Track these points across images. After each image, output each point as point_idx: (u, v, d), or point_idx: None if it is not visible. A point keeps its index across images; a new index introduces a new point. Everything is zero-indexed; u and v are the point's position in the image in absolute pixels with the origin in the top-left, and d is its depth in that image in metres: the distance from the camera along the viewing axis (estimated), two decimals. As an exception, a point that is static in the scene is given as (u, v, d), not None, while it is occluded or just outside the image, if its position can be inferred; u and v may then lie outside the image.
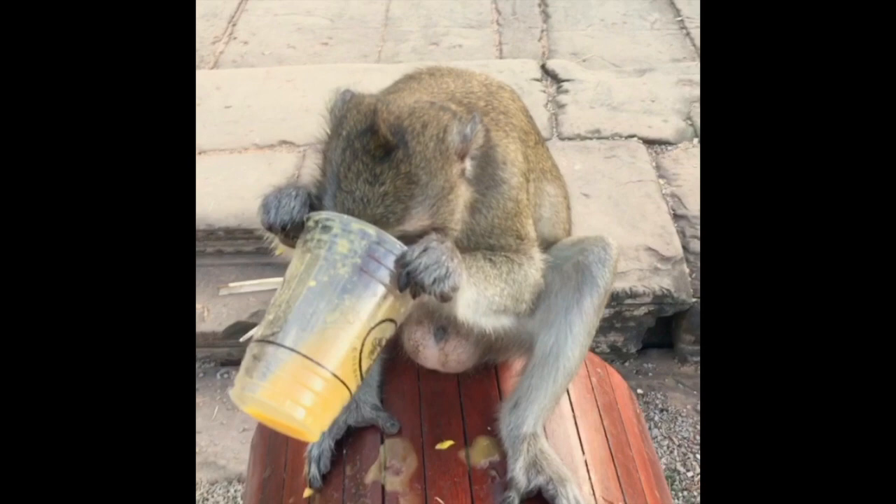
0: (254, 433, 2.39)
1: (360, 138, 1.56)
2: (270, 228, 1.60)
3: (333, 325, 1.48)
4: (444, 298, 1.52)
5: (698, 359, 4.32)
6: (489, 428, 1.98)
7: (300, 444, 2.09)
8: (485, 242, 1.75)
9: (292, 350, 1.46)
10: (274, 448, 2.18)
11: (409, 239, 1.53)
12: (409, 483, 1.87)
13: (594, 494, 1.90)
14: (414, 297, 1.54)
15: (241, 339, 3.97)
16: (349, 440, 2.02)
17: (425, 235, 1.55)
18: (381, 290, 1.50)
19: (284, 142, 4.97)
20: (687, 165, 4.92)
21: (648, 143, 5.02)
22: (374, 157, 1.55)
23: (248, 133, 5.01)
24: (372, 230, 1.51)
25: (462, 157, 1.64)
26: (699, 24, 6.54)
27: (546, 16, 6.80)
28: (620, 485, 1.97)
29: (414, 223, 1.58)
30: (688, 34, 6.47)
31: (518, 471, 1.85)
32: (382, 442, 1.98)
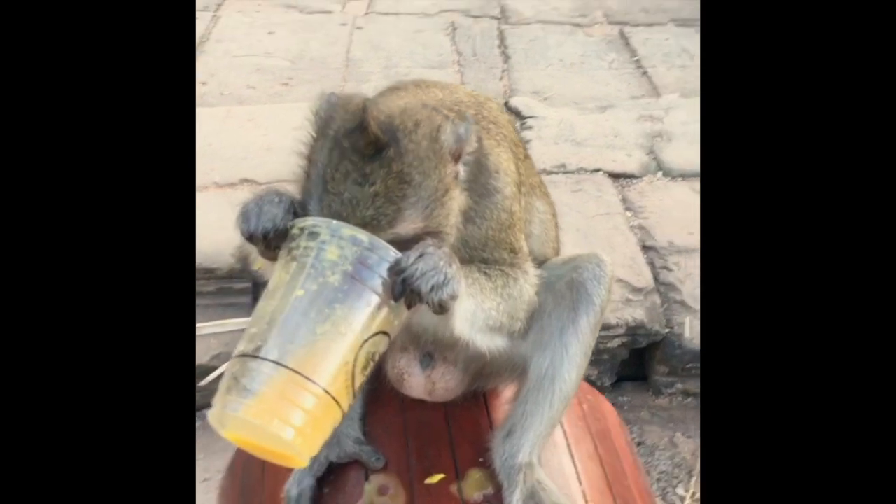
0: (223, 476, 2.23)
1: (348, 137, 1.47)
2: (251, 238, 1.48)
3: (324, 336, 1.35)
4: (442, 308, 1.42)
5: (672, 390, 4.28)
6: (481, 459, 1.87)
7: (277, 485, 1.95)
8: (478, 256, 1.65)
9: (279, 364, 1.33)
10: (248, 490, 2.02)
11: (401, 245, 1.43)
12: (398, 521, 1.74)
13: (594, 527, 1.80)
14: (409, 306, 1.43)
15: (205, 382, 3.79)
16: (331, 477, 1.89)
17: (420, 242, 1.45)
18: (374, 299, 1.39)
19: (246, 180, 4.86)
20: (652, 198, 4.94)
21: (614, 176, 5.04)
22: (363, 155, 1.46)
23: (209, 172, 4.89)
24: (363, 236, 1.40)
25: (456, 159, 1.56)
26: (655, 64, 6.69)
27: (506, 56, 6.86)
28: (620, 515, 1.87)
29: (406, 226, 1.48)
30: (644, 73, 6.59)
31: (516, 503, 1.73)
32: (367, 478, 1.85)
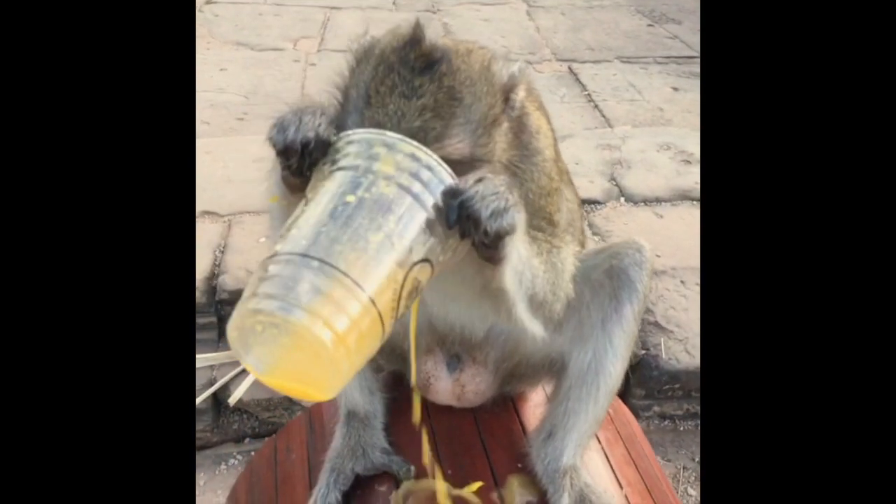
0: (227, 496, 2.05)
1: (397, 52, 1.38)
2: (286, 150, 1.32)
3: (377, 246, 1.21)
4: (497, 239, 1.30)
5: (650, 413, 4.24)
6: (519, 465, 1.76)
7: (296, 498, 1.79)
8: None
9: (325, 262, 1.17)
10: (261, 511, 1.85)
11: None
12: (438, 534, 1.61)
13: (642, 531, 1.70)
14: (463, 235, 1.30)
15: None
16: (358, 492, 1.74)
17: (474, 169, 1.35)
18: (426, 220, 1.27)
19: (207, 212, 4.68)
20: (617, 222, 4.97)
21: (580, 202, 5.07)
22: (412, 69, 1.36)
23: (167, 203, 4.69)
24: (422, 153, 1.29)
25: (506, 98, 1.48)
26: (605, 98, 6.84)
27: (460, 91, 6.91)
28: (664, 520, 1.78)
29: (453, 147, 1.38)
30: (596, 106, 6.72)
31: None
32: (398, 486, 1.71)
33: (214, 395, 3.82)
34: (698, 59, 7.65)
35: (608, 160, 5.52)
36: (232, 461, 3.87)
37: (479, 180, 1.29)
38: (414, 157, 1.29)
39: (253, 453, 3.87)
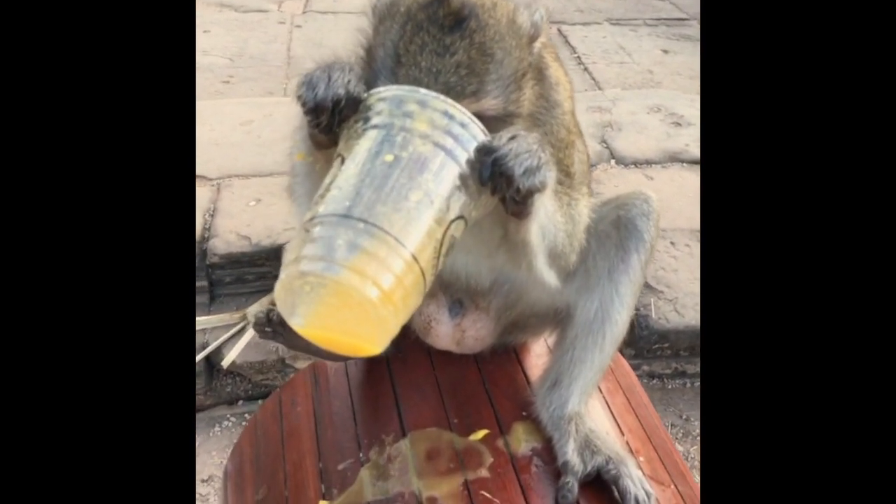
0: (227, 460, 2.06)
1: (424, 9, 1.38)
2: (316, 108, 1.31)
3: (417, 205, 1.23)
4: (529, 196, 1.31)
5: (639, 373, 4.29)
6: (524, 413, 1.78)
7: (301, 457, 1.80)
8: None
9: (369, 223, 1.19)
10: (266, 465, 1.86)
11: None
12: (446, 479, 1.63)
13: (645, 476, 1.73)
14: (494, 192, 1.31)
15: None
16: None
17: (507, 127, 1.35)
18: (460, 177, 1.28)
19: (197, 176, 4.63)
20: (608, 185, 4.98)
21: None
22: (442, 27, 1.36)
23: (155, 166, 4.63)
24: (456, 110, 1.29)
25: (531, 45, 1.48)
26: (595, 60, 6.81)
27: (448, 54, 6.85)
28: (665, 466, 1.82)
29: (489, 103, 1.38)
30: (586, 69, 6.69)
31: (572, 454, 1.64)
32: (405, 434, 1.73)
33: (207, 358, 3.81)
34: (688, 21, 7.63)
35: (598, 123, 5.51)
36: (226, 423, 3.88)
37: (513, 137, 1.30)
38: (447, 114, 1.29)
39: (247, 415, 3.89)
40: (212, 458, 3.71)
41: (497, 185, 1.29)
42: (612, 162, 5.18)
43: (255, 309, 3.92)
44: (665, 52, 6.97)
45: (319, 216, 1.23)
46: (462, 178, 1.28)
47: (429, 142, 1.27)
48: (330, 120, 1.32)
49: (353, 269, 1.17)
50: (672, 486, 1.77)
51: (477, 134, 1.31)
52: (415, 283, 1.23)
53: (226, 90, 5.93)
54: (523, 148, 1.29)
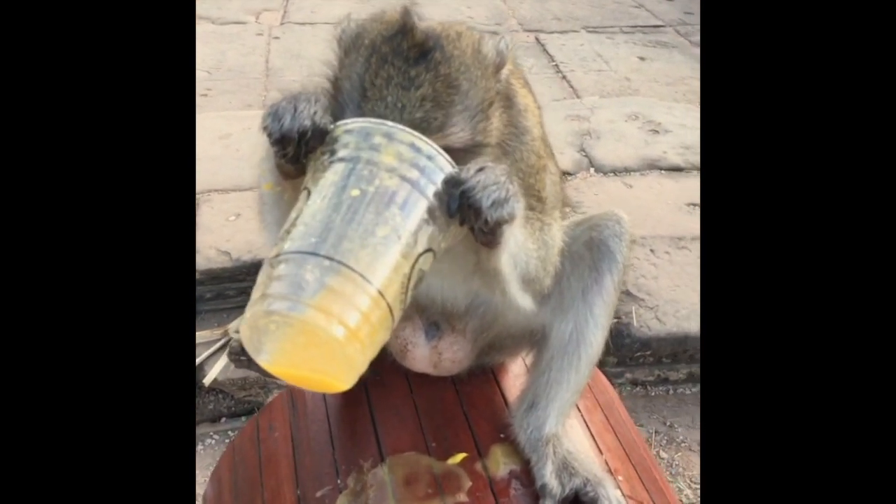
0: (207, 485, 2.04)
1: (389, 41, 1.37)
2: (283, 139, 1.31)
3: (384, 240, 1.23)
4: (496, 229, 1.32)
5: (622, 381, 4.32)
6: (502, 435, 1.78)
7: (279, 483, 1.79)
8: None
9: (335, 261, 1.18)
10: (244, 493, 1.85)
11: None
12: (424, 503, 1.62)
13: (623, 496, 1.73)
14: (462, 223, 1.32)
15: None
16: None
17: (475, 158, 1.36)
18: (428, 210, 1.28)
19: (173, 190, 4.60)
20: (588, 193, 5.01)
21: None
22: (407, 59, 1.36)
23: (132, 182, 4.60)
24: (422, 143, 1.29)
25: (497, 73, 1.48)
26: (573, 69, 6.84)
27: (426, 63, 6.85)
28: (643, 484, 1.82)
29: (455, 136, 1.39)
30: (564, 77, 6.71)
31: (549, 476, 1.65)
32: (383, 460, 1.72)
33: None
34: (664, 28, 7.68)
35: (577, 131, 5.54)
36: (209, 441, 3.85)
37: (481, 169, 1.30)
38: (414, 147, 1.29)
39: (230, 433, 3.86)
40: (195, 475, 3.68)
41: (465, 217, 1.30)
42: (591, 170, 5.20)
43: (236, 325, 3.91)
44: (642, 59, 7.02)
45: (285, 253, 1.22)
46: (430, 210, 1.28)
47: (395, 175, 1.27)
48: (297, 151, 1.32)
49: (318, 308, 1.16)
50: (651, 504, 1.78)
51: (444, 166, 1.31)
52: (382, 319, 1.23)
53: (204, 103, 5.91)
54: (491, 180, 1.29)
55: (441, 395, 1.87)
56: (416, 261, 1.27)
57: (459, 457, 1.72)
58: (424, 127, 1.35)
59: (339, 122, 1.33)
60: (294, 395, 1.99)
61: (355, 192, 1.25)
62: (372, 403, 1.87)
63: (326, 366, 1.21)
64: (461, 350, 1.80)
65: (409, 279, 1.26)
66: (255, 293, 1.21)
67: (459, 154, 1.37)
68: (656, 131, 5.57)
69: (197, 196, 4.57)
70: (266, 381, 3.83)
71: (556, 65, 6.90)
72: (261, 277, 1.23)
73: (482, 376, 1.92)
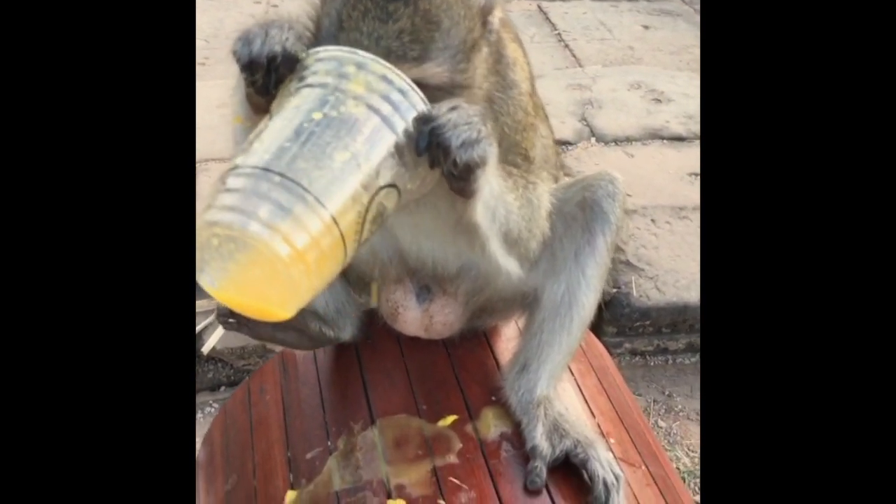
0: (199, 449, 2.04)
1: None
2: (251, 64, 1.26)
3: (342, 165, 1.17)
4: (467, 171, 1.26)
5: (621, 350, 4.31)
6: (493, 398, 1.76)
7: (270, 446, 1.79)
8: None
9: (287, 178, 1.13)
10: (235, 455, 1.85)
11: (427, 97, 1.29)
12: (414, 466, 1.62)
13: (615, 458, 1.72)
14: (432, 165, 1.27)
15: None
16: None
17: (452, 97, 1.31)
18: (395, 144, 1.23)
19: (171, 159, 4.57)
20: (588, 163, 4.96)
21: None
22: None
23: (129, 151, 4.57)
24: (395, 76, 1.24)
25: (484, 21, 1.43)
26: (575, 37, 6.75)
27: (427, 32, 6.77)
28: (636, 447, 1.81)
29: (432, 71, 1.34)
30: (566, 46, 6.63)
31: (540, 438, 1.63)
32: (374, 422, 1.71)
33: (187, 343, 3.80)
34: (668, -4, 7.57)
35: (579, 100, 5.48)
36: (208, 409, 3.86)
37: (453, 108, 1.26)
38: (386, 79, 1.24)
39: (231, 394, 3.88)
40: (195, 444, 3.70)
41: (434, 156, 1.25)
42: (593, 140, 5.15)
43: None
44: (646, 27, 6.92)
45: (237, 168, 1.17)
46: (397, 146, 1.24)
47: (362, 104, 1.22)
48: (266, 79, 1.28)
49: (265, 223, 1.11)
50: (643, 467, 1.77)
51: (416, 103, 1.26)
52: (333, 246, 1.17)
53: (201, 72, 5.84)
54: (463, 119, 1.25)
55: (433, 358, 1.85)
56: (377, 193, 1.22)
57: (450, 419, 1.71)
58: (399, 56, 1.31)
59: (311, 50, 1.29)
60: (286, 359, 1.98)
61: (317, 115, 1.20)
62: (363, 366, 1.86)
63: (269, 289, 1.15)
64: (452, 313, 1.79)
65: (366, 210, 1.21)
66: (203, 205, 1.16)
67: (437, 93, 1.33)
68: (659, 100, 5.50)
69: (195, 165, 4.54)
70: (265, 349, 3.84)
71: (559, 33, 6.81)
72: (210, 190, 1.18)
73: (474, 339, 1.90)
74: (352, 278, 1.87)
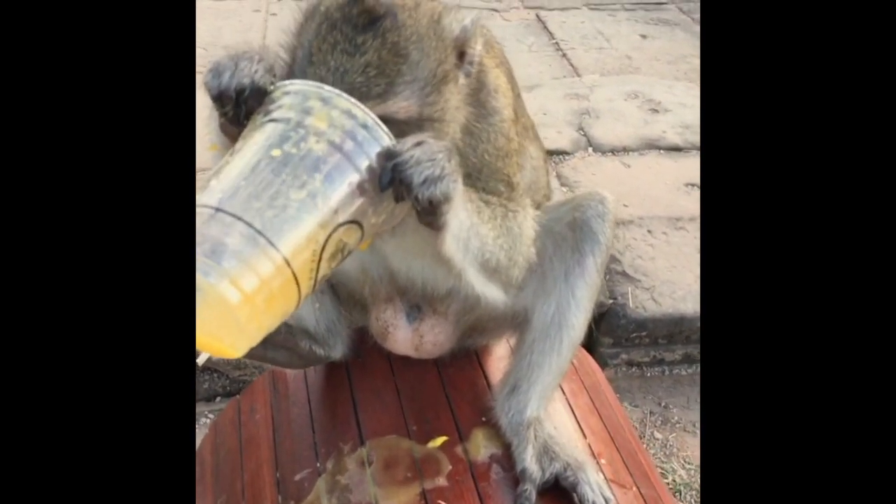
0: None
1: (340, 9, 1.33)
2: (220, 96, 1.27)
3: (298, 204, 1.16)
4: (432, 207, 1.25)
5: (617, 361, 4.30)
6: (484, 418, 1.76)
7: (259, 466, 1.78)
8: (470, 186, 1.48)
9: (239, 219, 1.12)
10: (225, 474, 1.84)
11: (396, 134, 1.28)
12: (403, 488, 1.61)
13: (606, 480, 1.71)
14: (397, 199, 1.26)
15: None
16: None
17: (422, 130, 1.31)
18: (357, 181, 1.22)
19: (167, 169, 4.57)
20: (585, 173, 4.96)
21: (547, 153, 5.04)
22: (355, 26, 1.32)
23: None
24: (359, 111, 1.23)
25: (459, 54, 1.43)
26: (573, 46, 6.75)
27: (425, 41, 6.78)
28: (627, 468, 1.80)
29: (399, 104, 1.33)
30: (564, 55, 6.64)
31: (530, 461, 1.63)
32: (363, 443, 1.70)
33: (182, 355, 3.79)
34: (666, 6, 7.58)
35: (576, 110, 5.48)
36: (204, 420, 3.85)
37: (418, 144, 1.25)
38: (350, 114, 1.23)
39: (220, 411, 3.87)
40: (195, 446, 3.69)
41: (397, 192, 1.25)
42: (590, 149, 5.15)
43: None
44: (643, 37, 6.93)
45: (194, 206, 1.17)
46: (360, 182, 1.23)
47: (324, 140, 1.21)
48: (236, 110, 1.28)
49: (211, 266, 1.10)
50: (634, 489, 1.76)
51: (380, 138, 1.25)
52: (285, 286, 1.16)
53: (199, 81, 5.86)
54: (426, 155, 1.23)
55: (423, 377, 1.85)
56: (335, 230, 1.20)
57: (440, 440, 1.70)
58: (364, 92, 1.30)
59: (278, 84, 1.28)
60: (276, 377, 1.97)
61: (276, 153, 1.19)
62: (353, 386, 1.85)
63: (220, 329, 1.14)
64: (442, 333, 1.78)
65: (322, 249, 1.19)
66: None
67: (406, 127, 1.33)
68: (656, 110, 5.51)
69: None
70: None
71: (556, 42, 6.81)
72: None
73: (465, 359, 1.90)
74: (342, 296, 1.86)
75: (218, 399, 3.95)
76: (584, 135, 5.23)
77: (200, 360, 1.30)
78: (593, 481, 1.61)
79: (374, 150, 1.24)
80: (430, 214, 1.28)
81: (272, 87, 1.28)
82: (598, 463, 1.74)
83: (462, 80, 1.45)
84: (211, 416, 3.87)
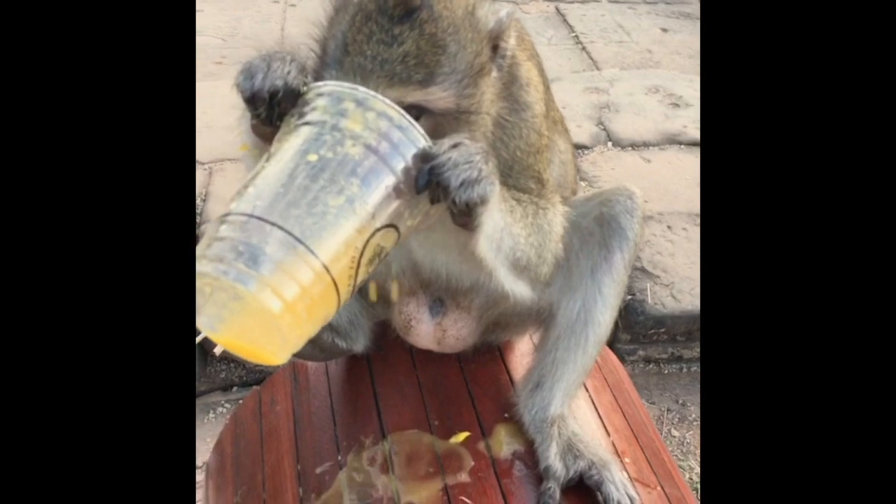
0: (210, 455, 2.03)
1: (375, 0, 1.31)
2: (253, 98, 1.24)
3: (336, 210, 1.15)
4: (468, 211, 1.24)
5: (635, 357, 4.27)
6: (506, 415, 1.74)
7: (280, 458, 1.77)
8: (502, 183, 1.45)
9: (278, 227, 1.11)
10: (245, 466, 1.83)
11: (431, 133, 1.26)
12: (425, 484, 1.59)
13: (630, 478, 1.69)
14: (433, 201, 1.24)
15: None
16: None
17: (459, 126, 1.29)
18: (392, 183, 1.20)
19: (186, 158, 4.57)
20: (605, 167, 4.92)
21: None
22: (391, 17, 1.30)
23: (145, 151, 4.58)
24: (394, 112, 1.21)
25: (493, 46, 1.41)
26: (593, 40, 6.70)
27: (444, 33, 6.74)
28: (651, 467, 1.78)
29: (438, 95, 1.32)
30: (584, 48, 6.58)
31: (553, 458, 1.61)
32: (384, 437, 1.69)
33: (200, 344, 3.78)
34: (688, -1, 7.50)
35: (596, 104, 5.43)
36: (220, 409, 3.86)
37: (455, 146, 1.23)
38: (385, 116, 1.21)
39: (241, 402, 3.88)
40: (206, 444, 3.69)
41: (434, 195, 1.23)
42: (609, 144, 5.11)
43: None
44: (664, 30, 6.86)
45: (230, 214, 1.15)
46: (396, 185, 1.21)
47: (360, 144, 1.19)
48: (269, 112, 1.26)
49: (255, 276, 1.09)
50: (658, 488, 1.74)
51: (416, 139, 1.23)
52: (325, 293, 1.15)
53: (218, 71, 5.86)
54: (464, 158, 1.21)
55: (445, 372, 1.83)
56: (372, 235, 1.19)
57: (462, 436, 1.68)
58: (404, 79, 1.29)
59: (312, 84, 1.27)
60: (297, 369, 1.96)
61: (313, 158, 1.18)
62: (375, 379, 1.84)
63: (262, 337, 1.14)
64: (466, 327, 1.76)
65: (361, 254, 1.18)
66: (197, 251, 1.15)
67: (442, 119, 1.31)
68: (677, 105, 5.45)
69: (210, 165, 4.54)
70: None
71: (576, 35, 6.76)
72: (205, 236, 1.16)
73: (488, 354, 1.88)
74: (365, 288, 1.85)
75: (234, 389, 3.96)
76: (604, 129, 5.19)
77: (218, 350, 1.29)
78: (618, 480, 1.59)
79: (410, 152, 1.22)
80: (466, 216, 1.27)
81: (305, 89, 1.26)
82: (622, 461, 1.71)
83: (495, 73, 1.43)
84: (227, 405, 3.87)
